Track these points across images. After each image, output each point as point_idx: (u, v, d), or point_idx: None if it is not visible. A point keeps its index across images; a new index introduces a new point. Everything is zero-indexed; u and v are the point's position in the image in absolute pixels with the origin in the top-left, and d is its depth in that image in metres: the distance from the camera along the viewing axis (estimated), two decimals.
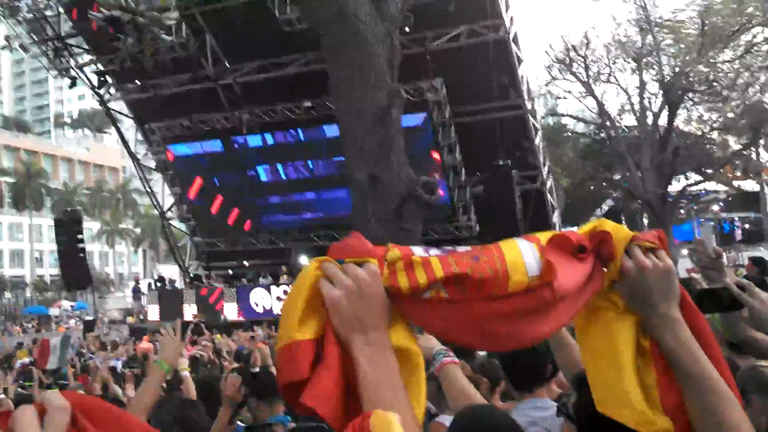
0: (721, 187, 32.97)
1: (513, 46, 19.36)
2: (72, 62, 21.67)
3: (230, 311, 22.37)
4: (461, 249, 1.22)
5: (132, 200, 71.78)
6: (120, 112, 25.91)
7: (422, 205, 4.09)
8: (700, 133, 25.44)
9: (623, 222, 33.62)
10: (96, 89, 23.28)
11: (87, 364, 10.51)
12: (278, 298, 21.93)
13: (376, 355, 1.08)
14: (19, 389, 8.87)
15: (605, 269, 1.30)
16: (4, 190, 59.83)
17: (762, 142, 24.77)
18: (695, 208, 34.35)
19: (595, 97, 25.22)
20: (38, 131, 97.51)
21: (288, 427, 3.54)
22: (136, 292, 31.21)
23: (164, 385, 3.55)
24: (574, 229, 1.44)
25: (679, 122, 24.92)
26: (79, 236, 25.15)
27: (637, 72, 24.92)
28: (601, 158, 29.51)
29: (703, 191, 32.33)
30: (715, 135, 25.99)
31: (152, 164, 26.16)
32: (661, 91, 24.46)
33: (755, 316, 1.89)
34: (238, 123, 22.19)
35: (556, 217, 22.71)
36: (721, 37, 21.52)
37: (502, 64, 18.62)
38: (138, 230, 69.92)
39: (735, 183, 31.75)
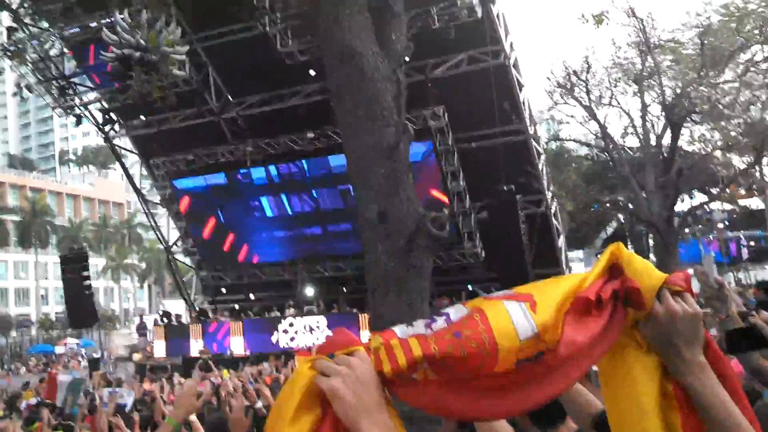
0: (727, 206, 32.91)
1: (514, 71, 19.48)
2: (77, 100, 21.89)
3: (237, 346, 22.24)
4: (450, 316, 1.20)
5: (137, 235, 71.95)
6: (124, 148, 26.08)
7: (432, 240, 4.04)
8: (703, 152, 25.41)
9: (629, 244, 33.59)
10: (101, 126, 23.49)
11: (95, 405, 10.42)
12: (284, 332, 21.85)
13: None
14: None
15: (630, 308, 1.28)
16: (9, 229, 59.98)
17: (766, 160, 24.73)
18: (700, 227, 34.23)
19: (598, 121, 25.28)
20: (43, 168, 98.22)
21: None
22: (142, 329, 31.09)
23: None
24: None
25: (682, 142, 24.94)
26: (85, 273, 25.14)
27: (639, 94, 25.00)
28: (605, 181, 29.50)
29: (709, 211, 32.26)
30: (718, 154, 25.97)
31: (157, 199, 26.25)
32: (663, 113, 24.53)
33: None
34: (242, 156, 22.31)
35: (561, 242, 22.67)
36: (721, 57, 21.60)
37: (503, 89, 18.73)
38: (143, 265, 69.90)
39: (740, 201, 31.69)
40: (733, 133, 23.95)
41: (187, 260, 27.37)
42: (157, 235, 27.89)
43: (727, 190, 27.53)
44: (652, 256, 31.70)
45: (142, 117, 22.90)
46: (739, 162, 26.47)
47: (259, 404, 6.30)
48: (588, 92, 24.93)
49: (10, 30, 14.30)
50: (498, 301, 1.21)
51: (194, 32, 12.64)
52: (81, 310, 25.18)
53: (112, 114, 23.25)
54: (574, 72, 24.76)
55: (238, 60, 19.50)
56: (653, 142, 25.24)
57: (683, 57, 23.60)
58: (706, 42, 22.00)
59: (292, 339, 21.61)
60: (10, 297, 67.23)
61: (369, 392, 1.10)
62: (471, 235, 21.34)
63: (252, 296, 26.02)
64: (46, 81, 20.95)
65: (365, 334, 17.17)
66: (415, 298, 4.06)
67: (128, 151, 26.24)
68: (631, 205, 27.26)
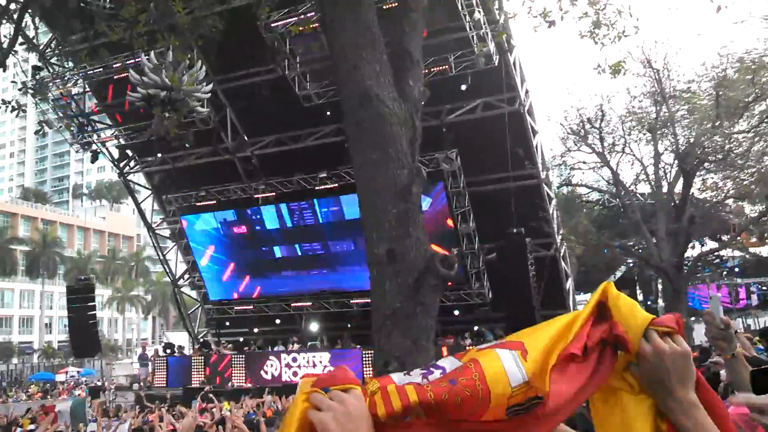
0: (737, 253, 32.75)
1: (528, 118, 19.71)
2: (94, 137, 22.26)
3: (239, 378, 22.14)
4: (443, 365, 1.25)
5: (144, 268, 72.20)
6: (138, 184, 26.42)
7: (440, 280, 4.10)
8: (715, 200, 25.40)
9: (637, 288, 33.41)
10: (116, 162, 23.87)
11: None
12: (287, 366, 21.75)
13: None
14: None
15: (619, 352, 1.31)
16: (18, 259, 60.36)
17: None
18: (710, 273, 34.05)
19: (610, 168, 25.34)
20: (56, 201, 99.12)
21: None
22: (143, 359, 31.03)
23: None
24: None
25: (694, 190, 24.93)
26: (91, 304, 25.25)
27: (652, 142, 25.11)
28: (615, 227, 29.48)
29: (719, 258, 32.13)
30: (730, 202, 25.97)
31: (167, 233, 26.47)
32: (676, 161, 24.59)
33: None
34: (254, 193, 22.53)
35: (569, 284, 22.63)
36: (736, 108, 21.70)
37: (517, 135, 18.93)
38: (149, 297, 70.03)
39: (751, 249, 31.55)
40: (745, 182, 23.95)
41: (193, 293, 27.46)
42: (164, 268, 28.05)
43: (739, 238, 27.43)
44: (660, 301, 31.50)
45: (159, 155, 23.26)
46: (750, 210, 26.45)
47: None
48: (601, 139, 25.07)
49: (36, 69, 14.65)
50: (491, 350, 1.25)
51: (215, 74, 12.98)
52: (85, 339, 25.21)
53: (128, 151, 23.67)
54: (588, 120, 24.94)
55: (256, 101, 19.87)
56: (665, 190, 25.27)
57: (698, 107, 23.70)
58: (721, 93, 22.15)
59: (295, 374, 21.50)
60: (14, 324, 67.45)
61: (358, 429, 1.11)
62: (479, 276, 21.35)
63: (256, 330, 26.00)
64: (67, 118, 21.37)
65: (368, 371, 17.09)
66: (420, 335, 4.08)
67: (141, 186, 26.59)
68: (641, 251, 27.18)
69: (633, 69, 23.12)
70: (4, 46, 6.95)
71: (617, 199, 26.87)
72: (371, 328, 4.31)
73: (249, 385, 21.37)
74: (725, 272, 35.01)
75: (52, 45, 18.87)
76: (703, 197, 25.97)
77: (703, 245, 29.37)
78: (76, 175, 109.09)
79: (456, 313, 21.55)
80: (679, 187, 24.81)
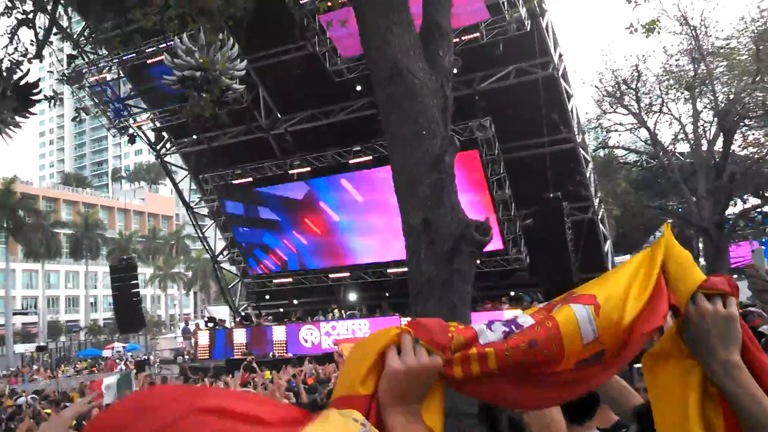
0: None
1: (562, 82, 19.41)
2: (131, 121, 22.61)
3: (280, 348, 22.54)
4: (518, 321, 1.26)
5: (184, 246, 73.34)
6: (175, 165, 26.81)
7: (475, 247, 4.14)
8: (757, 156, 24.80)
9: None
10: (153, 145, 24.25)
11: None
12: (327, 334, 22.02)
13: (410, 424, 1.13)
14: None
15: (673, 316, 1.34)
16: (62, 241, 61.89)
17: None
18: (752, 230, 33.36)
19: (648, 128, 24.90)
20: (96, 185, 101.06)
21: None
22: (186, 333, 31.70)
23: None
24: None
25: (734, 147, 24.38)
26: (134, 282, 25.86)
27: (691, 101, 24.56)
28: (654, 187, 29.01)
29: (761, 214, 31.43)
30: None
31: (205, 211, 26.92)
32: (715, 119, 24.05)
33: None
34: (289, 169, 22.73)
35: (608, 246, 22.45)
36: None
37: (551, 100, 18.67)
38: (189, 274, 71.29)
39: None
40: None
41: (233, 269, 27.96)
42: (204, 246, 28.59)
43: None
44: (701, 260, 31.02)
45: (194, 137, 23.56)
46: None
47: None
48: (638, 100, 24.61)
49: (71, 57, 14.89)
50: (567, 307, 1.27)
51: (245, 54, 13.09)
52: (129, 315, 25.87)
53: (164, 133, 24.02)
54: (624, 81, 24.48)
55: (287, 79, 19.93)
56: (705, 148, 24.76)
57: (737, 63, 23.07)
58: (761, 47, 21.52)
59: (335, 342, 21.72)
60: (60, 304, 69.72)
61: (418, 391, 1.15)
62: (516, 241, 21.31)
63: (295, 301, 26.38)
64: (103, 104, 21.72)
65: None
66: (457, 302, 4.10)
67: (178, 167, 26.99)
68: (681, 210, 26.76)
69: (669, 27, 22.60)
70: (40, 37, 7.11)
71: (655, 160, 26.42)
72: (408, 296, 4.37)
73: (290, 355, 21.73)
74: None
75: (86, 33, 19.13)
76: (744, 154, 25.39)
77: (745, 202, 28.77)
78: (115, 158, 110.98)
79: (494, 279, 21.54)
80: (719, 145, 24.29)
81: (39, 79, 7.78)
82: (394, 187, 4.61)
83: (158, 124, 23.59)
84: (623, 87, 24.46)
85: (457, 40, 16.62)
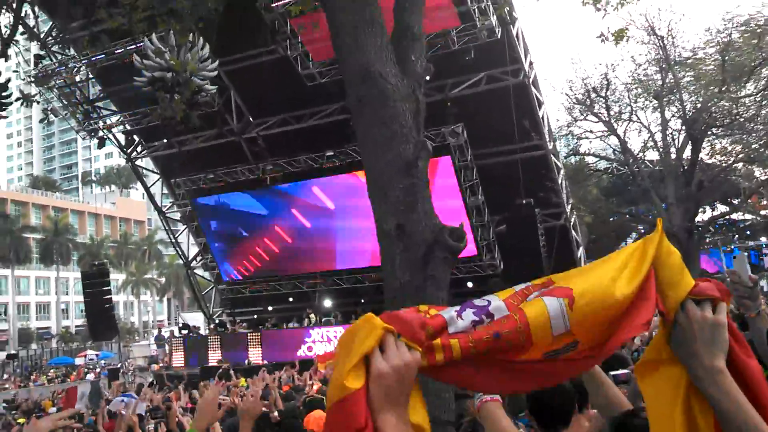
0: (748, 216, 32.62)
1: (533, 89, 19.59)
2: (100, 123, 22.31)
3: (255, 355, 22.36)
4: (493, 312, 1.25)
5: (157, 251, 72.59)
6: (146, 168, 26.54)
7: (450, 253, 4.13)
8: (724, 165, 25.26)
9: None
10: (123, 148, 23.96)
11: (114, 411, 10.57)
12: (302, 341, 21.90)
13: (399, 428, 1.14)
14: None
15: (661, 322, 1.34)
16: (32, 246, 60.92)
17: None
18: (721, 237, 33.95)
19: (618, 136, 25.26)
20: (66, 188, 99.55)
21: None
22: (160, 340, 31.38)
23: None
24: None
25: (703, 155, 24.81)
26: (106, 288, 25.52)
27: (659, 109, 24.95)
28: (624, 194, 29.40)
29: (729, 222, 32.03)
30: (740, 166, 25.82)
31: (177, 216, 26.64)
32: (683, 127, 24.44)
33: None
34: (261, 174, 22.61)
35: (580, 253, 22.67)
36: (742, 72, 21.50)
37: (522, 107, 18.84)
38: (162, 280, 70.56)
39: (762, 212, 31.40)
40: (754, 146, 23.79)
41: (206, 274, 27.68)
42: (176, 251, 28.32)
43: (749, 200, 27.31)
44: None
45: (164, 140, 23.34)
46: (760, 173, 26.29)
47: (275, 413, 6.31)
48: (607, 108, 24.95)
49: (38, 57, 14.63)
50: (539, 300, 1.27)
51: (217, 57, 12.99)
52: (101, 322, 25.55)
53: (134, 136, 23.75)
54: (594, 89, 24.80)
55: (259, 82, 19.87)
56: (674, 156, 25.15)
57: (704, 73, 23.51)
58: (727, 58, 21.93)
59: (309, 349, 21.69)
60: (31, 311, 68.47)
61: (404, 391, 1.16)
62: (489, 248, 21.41)
63: (270, 308, 26.23)
64: (72, 105, 21.42)
65: None
66: None
67: (150, 171, 26.71)
68: (651, 217, 27.11)
69: (637, 37, 22.95)
70: (5, 35, 6.96)
71: (626, 167, 26.76)
72: (384, 302, 4.35)
73: (265, 362, 21.56)
74: (736, 235, 34.88)
75: (53, 33, 18.84)
76: (712, 162, 25.82)
77: (713, 209, 29.26)
78: (85, 162, 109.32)
79: (469, 285, 21.62)
80: (687, 153, 24.69)
81: (8, 80, 7.62)
82: (367, 192, 4.60)
83: (129, 127, 23.31)
84: (593, 95, 24.79)
85: (429, 45, 16.67)
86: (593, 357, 1.31)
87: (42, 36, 16.10)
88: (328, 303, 25.40)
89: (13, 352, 47.92)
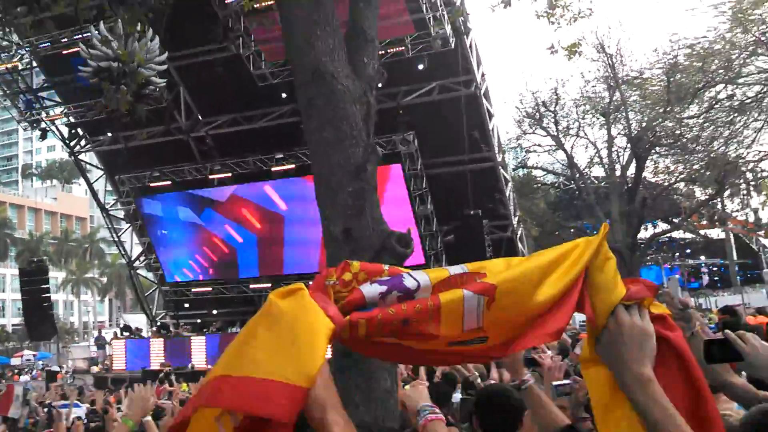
0: (689, 235, 33.63)
1: (484, 101, 19.80)
2: (43, 114, 21.65)
3: (199, 360, 21.92)
4: (422, 288, 1.27)
5: (99, 250, 70.80)
6: (90, 164, 25.85)
7: (396, 258, 4.11)
8: (667, 183, 26.01)
9: None
10: (66, 141, 23.26)
11: (52, 413, 10.22)
12: None
13: (348, 427, 1.17)
14: None
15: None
16: None
17: (727, 192, 25.36)
18: (662, 254, 34.96)
19: (565, 151, 25.81)
20: (5, 181, 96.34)
21: None
22: (100, 342, 30.58)
23: None
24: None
25: (646, 173, 25.48)
26: (45, 286, 24.75)
27: (606, 126, 25.56)
28: (570, 209, 29.98)
29: (670, 239, 32.97)
30: (681, 185, 26.60)
31: (121, 214, 26.00)
32: (628, 145, 25.07)
33: (749, 361, 1.95)
34: (209, 174, 22.25)
35: None
36: (686, 94, 22.14)
37: (473, 118, 19.02)
38: (104, 279, 68.84)
39: (701, 231, 32.42)
40: (696, 166, 24.52)
41: (150, 275, 27.09)
42: (119, 250, 27.64)
43: (690, 219, 28.15)
44: None
45: (109, 133, 22.76)
46: (701, 194, 27.12)
47: None
48: (556, 123, 25.44)
49: None
50: (459, 291, 1.26)
51: (167, 51, 12.71)
52: (40, 322, 24.75)
53: (78, 129, 23.09)
54: (543, 103, 25.25)
55: (210, 80, 19.54)
56: (618, 173, 25.77)
57: (650, 93, 24.16)
58: (672, 79, 22.58)
59: None
60: None
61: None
62: (437, 257, 21.52)
63: (215, 312, 25.78)
64: (13, 94, 20.72)
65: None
66: None
67: (93, 166, 26.03)
68: (595, 232, 27.65)
69: (587, 54, 23.44)
70: None
71: (572, 182, 27.29)
72: None
73: (209, 367, 21.16)
74: (677, 253, 35.96)
75: None
76: (655, 180, 26.55)
77: (655, 227, 30.07)
78: (25, 154, 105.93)
79: None
80: (632, 171, 25.34)
81: None
82: (315, 195, 4.54)
83: (73, 120, 22.65)
84: (542, 109, 25.23)
85: (383, 52, 16.70)
86: (498, 352, 1.34)
87: None
88: None
89: None
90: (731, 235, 34.50)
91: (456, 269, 1.34)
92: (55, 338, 29.87)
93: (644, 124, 24.36)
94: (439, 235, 21.30)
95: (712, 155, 23.03)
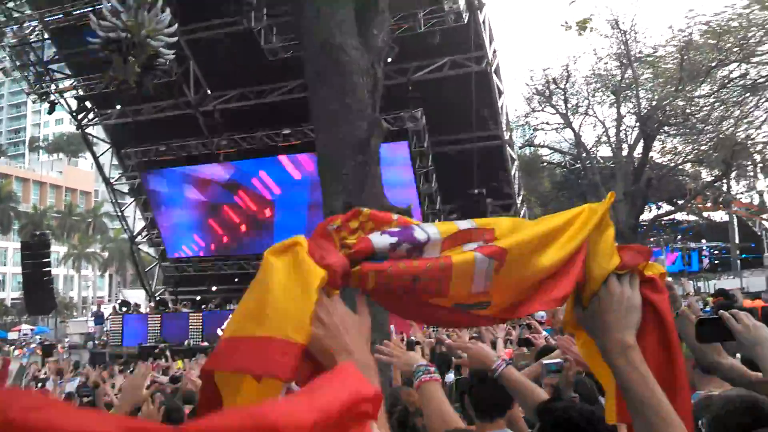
0: (692, 217, 33.48)
1: (495, 78, 19.65)
2: (52, 87, 21.59)
3: (196, 337, 21.97)
4: (432, 243, 1.27)
5: (102, 224, 70.85)
6: (97, 137, 25.82)
7: None
8: (673, 164, 25.84)
9: None
10: (74, 114, 23.24)
11: (45, 389, 10.36)
12: None
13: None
14: None
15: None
16: None
17: (733, 174, 25.21)
18: (665, 236, 34.84)
19: (573, 129, 25.60)
20: (11, 154, 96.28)
21: None
22: (98, 317, 30.67)
23: None
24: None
25: (653, 153, 25.32)
26: (46, 260, 24.83)
27: (615, 105, 25.34)
28: (575, 188, 29.87)
29: (673, 221, 32.83)
30: (688, 166, 26.45)
31: (126, 189, 26.02)
32: (637, 124, 24.88)
33: (741, 339, 1.97)
34: (216, 149, 22.22)
35: None
36: (699, 72, 21.88)
37: (482, 95, 18.87)
38: (106, 254, 68.92)
39: (705, 214, 32.26)
40: (703, 147, 24.35)
41: (151, 251, 27.13)
42: (122, 225, 27.66)
43: (694, 201, 28.02)
44: None
45: (118, 106, 22.69)
46: (707, 175, 26.97)
47: None
48: (565, 100, 25.21)
49: None
50: (471, 254, 1.26)
51: (178, 24, 12.64)
52: (39, 296, 24.88)
53: (87, 102, 23.04)
54: (554, 80, 25.02)
55: (220, 54, 19.38)
56: (625, 153, 25.60)
57: (662, 71, 23.88)
58: (686, 57, 22.33)
59: None
60: None
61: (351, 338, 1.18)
62: None
63: (214, 288, 25.85)
64: (24, 66, 20.66)
65: None
66: None
67: (100, 140, 26.00)
68: None
69: (601, 30, 23.16)
70: None
71: (578, 161, 27.16)
72: None
73: (206, 344, 21.21)
74: (679, 235, 35.82)
75: None
76: (662, 161, 26.39)
77: (659, 208, 29.95)
78: (33, 127, 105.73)
79: None
80: (639, 150, 25.16)
81: None
82: (317, 168, 4.55)
83: (81, 93, 22.58)
84: (552, 86, 25.00)
85: (395, 26, 16.57)
86: (503, 315, 1.36)
87: None
88: None
89: None
90: (734, 218, 34.36)
91: (464, 224, 1.34)
92: (53, 313, 29.96)
93: (654, 103, 24.14)
94: (443, 214, 21.27)
95: (721, 136, 22.87)
